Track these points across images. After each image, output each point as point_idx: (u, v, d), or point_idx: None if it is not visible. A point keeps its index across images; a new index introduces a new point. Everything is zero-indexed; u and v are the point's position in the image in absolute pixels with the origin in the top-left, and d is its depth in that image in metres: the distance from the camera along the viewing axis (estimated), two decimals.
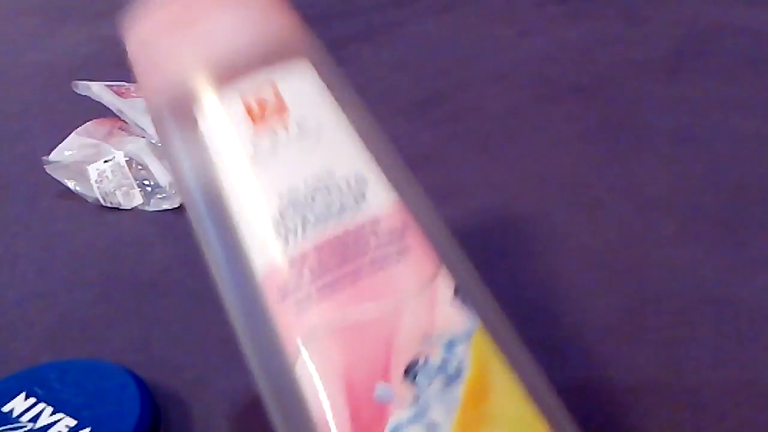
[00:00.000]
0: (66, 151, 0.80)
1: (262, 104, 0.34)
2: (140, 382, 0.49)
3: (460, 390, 0.28)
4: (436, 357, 0.29)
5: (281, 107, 0.34)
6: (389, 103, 0.89)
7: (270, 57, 0.36)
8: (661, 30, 0.95)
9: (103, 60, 1.20)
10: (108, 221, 0.74)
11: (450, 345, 0.29)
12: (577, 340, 0.52)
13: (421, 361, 0.29)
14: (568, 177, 0.70)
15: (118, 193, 0.76)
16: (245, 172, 0.33)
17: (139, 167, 0.76)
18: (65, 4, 1.58)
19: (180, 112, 0.35)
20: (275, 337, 0.31)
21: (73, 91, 0.82)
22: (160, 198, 0.75)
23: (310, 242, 0.31)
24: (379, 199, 0.33)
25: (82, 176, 0.77)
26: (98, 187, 0.76)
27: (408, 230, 0.33)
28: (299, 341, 0.30)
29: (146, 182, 0.75)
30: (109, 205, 0.76)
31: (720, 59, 0.86)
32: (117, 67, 1.15)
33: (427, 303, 0.30)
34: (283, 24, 0.38)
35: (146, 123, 0.77)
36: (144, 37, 0.37)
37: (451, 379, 0.29)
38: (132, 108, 0.80)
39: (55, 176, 0.79)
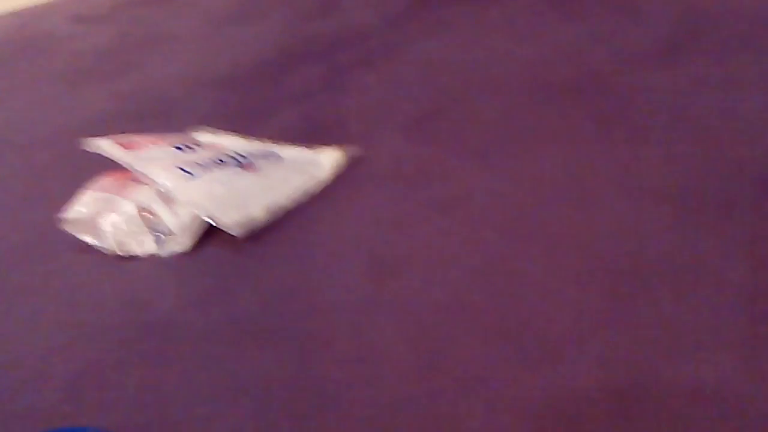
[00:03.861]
0: (81, 208, 0.83)
1: None
2: None
3: None
4: None
5: None
6: (389, 121, 0.90)
7: None
8: (653, 19, 0.95)
9: (119, 115, 1.24)
10: (125, 270, 0.77)
11: None
12: (545, 335, 0.52)
13: None
14: (563, 174, 0.70)
15: (131, 242, 0.78)
16: None
17: (150, 216, 0.78)
18: (87, 68, 1.65)
19: None
20: None
21: (86, 150, 0.85)
22: (171, 243, 0.77)
23: None
24: None
25: (97, 229, 0.80)
26: (113, 238, 0.79)
27: None
28: None
29: (157, 229, 0.77)
30: (124, 254, 0.78)
31: (712, 43, 0.85)
32: (132, 120, 1.19)
33: None
34: None
35: (154, 172, 0.80)
36: None
37: None
38: (139, 159, 0.83)
39: (72, 232, 0.82)
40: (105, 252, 0.79)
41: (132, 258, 0.78)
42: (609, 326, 0.52)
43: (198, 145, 0.89)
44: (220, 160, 0.83)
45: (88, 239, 0.81)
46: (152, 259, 0.77)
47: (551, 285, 0.58)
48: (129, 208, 0.79)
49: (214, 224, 0.75)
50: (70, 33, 2.13)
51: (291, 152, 0.87)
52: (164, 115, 1.18)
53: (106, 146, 0.85)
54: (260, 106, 1.09)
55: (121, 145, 0.86)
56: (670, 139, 0.72)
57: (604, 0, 1.07)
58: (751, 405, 0.44)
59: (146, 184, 0.81)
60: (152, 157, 0.84)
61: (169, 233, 0.77)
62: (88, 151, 0.85)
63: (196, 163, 0.82)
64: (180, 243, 0.76)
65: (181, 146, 0.87)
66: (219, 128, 0.99)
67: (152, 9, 2.10)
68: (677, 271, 0.55)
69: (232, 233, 0.74)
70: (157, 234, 0.78)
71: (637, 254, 0.58)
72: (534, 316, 0.55)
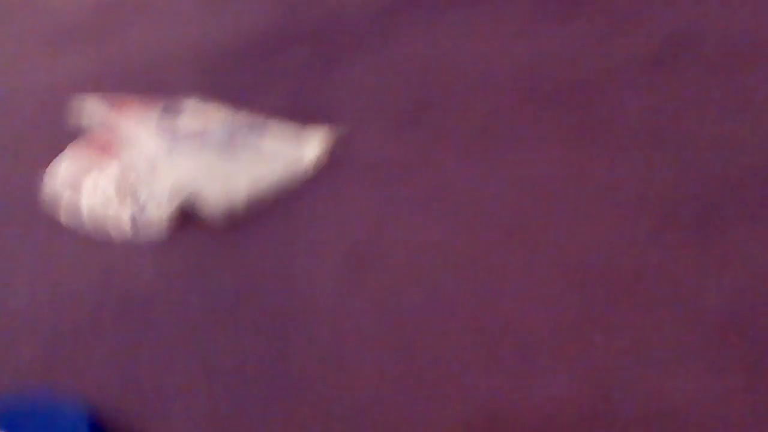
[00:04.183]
0: (63, 165, 0.82)
1: None
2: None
3: None
4: None
5: None
6: (379, 112, 0.91)
7: None
8: (641, 35, 0.96)
9: (102, 79, 1.23)
10: (104, 241, 0.76)
11: None
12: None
13: None
14: (545, 178, 0.71)
15: (108, 219, 0.77)
16: None
17: (131, 181, 0.78)
18: (69, 28, 1.62)
19: None
20: None
21: (72, 110, 0.84)
22: (149, 213, 0.76)
23: None
24: None
25: (77, 197, 0.79)
26: (91, 212, 0.78)
27: None
28: None
29: (137, 198, 0.77)
30: (101, 225, 0.78)
31: (697, 63, 0.86)
32: (117, 85, 1.17)
33: None
34: None
35: (140, 135, 0.80)
36: None
37: None
38: (126, 120, 0.82)
39: (51, 199, 0.81)
40: (83, 223, 0.79)
41: (111, 229, 0.77)
42: (582, 336, 0.53)
43: (184, 112, 0.89)
44: (205, 132, 0.83)
45: (67, 207, 0.80)
46: (132, 231, 0.76)
47: (528, 290, 0.59)
48: (111, 173, 0.79)
49: (194, 205, 0.75)
50: None
51: (276, 133, 0.87)
52: (148, 82, 1.17)
53: (93, 102, 0.84)
54: (246, 82, 1.08)
55: (110, 103, 0.85)
56: (651, 153, 0.73)
57: (595, 7, 1.08)
58: (718, 423, 0.45)
59: (129, 149, 0.81)
60: (138, 120, 0.83)
61: (148, 203, 0.76)
62: (71, 112, 0.84)
63: (182, 132, 0.82)
64: (157, 226, 0.76)
65: (167, 111, 0.87)
66: (206, 100, 0.98)
67: None
68: (651, 285, 0.57)
69: (212, 211, 0.74)
70: (136, 205, 0.77)
71: (614, 266, 0.59)
72: (510, 320, 0.56)
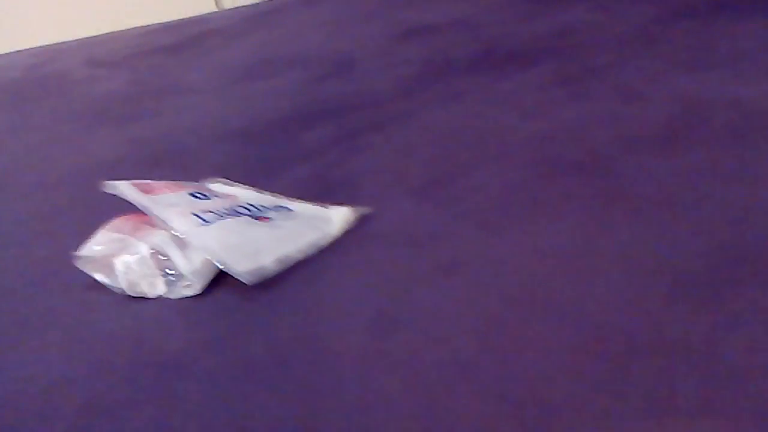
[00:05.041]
0: (95, 246, 0.85)
1: None
2: None
3: None
4: None
5: None
6: (398, 186, 0.94)
7: None
8: (653, 106, 1.00)
9: (133, 160, 1.28)
10: (135, 310, 0.79)
11: None
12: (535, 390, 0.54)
13: None
14: (564, 247, 0.73)
15: (143, 283, 0.81)
16: None
17: (163, 258, 0.81)
18: (100, 110, 1.69)
19: None
20: None
21: (103, 191, 0.88)
22: (182, 286, 0.79)
23: None
24: None
25: (110, 269, 0.83)
26: (124, 278, 0.81)
27: None
28: None
29: (169, 271, 0.80)
30: (135, 295, 0.81)
31: (708, 132, 0.90)
32: (146, 166, 1.22)
33: None
34: None
35: (169, 217, 0.83)
36: None
37: None
38: (156, 203, 0.86)
39: (84, 270, 0.84)
40: (116, 291, 0.82)
41: (142, 299, 0.80)
42: (603, 397, 0.54)
43: (213, 194, 0.93)
44: (235, 211, 0.86)
45: (99, 277, 0.83)
46: (162, 301, 0.79)
47: (550, 352, 0.60)
48: (143, 249, 0.82)
49: (225, 270, 0.78)
50: (86, 76, 2.19)
51: (303, 207, 0.91)
52: (178, 164, 1.22)
53: (124, 188, 0.88)
54: (272, 162, 1.12)
55: (139, 188, 0.89)
56: (664, 219, 0.75)
57: (608, 83, 1.12)
58: None
59: (161, 228, 0.84)
60: (168, 203, 0.87)
61: (181, 276, 0.80)
62: (103, 192, 0.88)
63: (211, 212, 0.85)
64: (191, 287, 0.79)
65: (196, 194, 0.91)
66: (233, 180, 1.02)
67: (167, 58, 2.16)
68: (667, 347, 0.58)
69: (242, 281, 0.77)
70: (168, 277, 0.80)
71: (631, 329, 0.61)
72: (532, 380, 0.58)
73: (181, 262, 0.80)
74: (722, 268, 0.66)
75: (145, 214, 0.86)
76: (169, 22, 2.89)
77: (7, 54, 3.07)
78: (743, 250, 0.68)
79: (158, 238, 0.83)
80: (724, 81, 1.02)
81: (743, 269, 0.66)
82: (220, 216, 0.84)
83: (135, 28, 2.94)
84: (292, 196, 0.94)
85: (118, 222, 0.88)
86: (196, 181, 0.99)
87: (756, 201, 0.75)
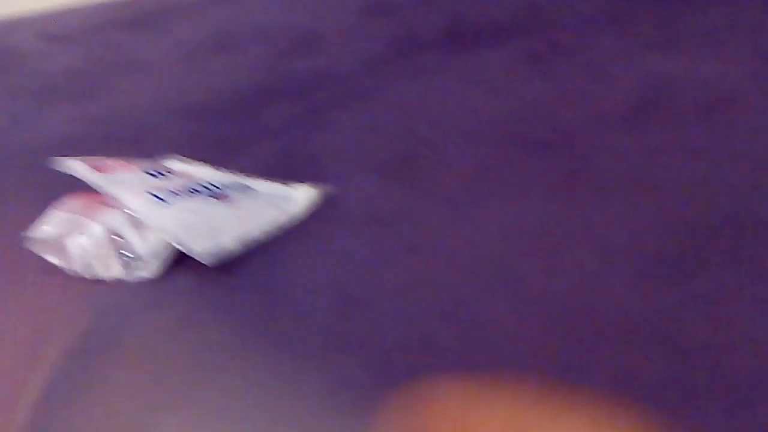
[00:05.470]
0: (46, 227, 0.82)
1: None
2: None
3: None
4: None
5: None
6: (362, 164, 0.92)
7: None
8: (620, 85, 0.99)
9: (87, 138, 1.24)
10: (91, 293, 0.76)
11: None
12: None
13: None
14: (531, 225, 0.72)
15: (98, 264, 0.78)
16: None
17: (118, 239, 0.78)
18: (53, 86, 1.63)
19: None
20: None
21: (54, 169, 0.85)
22: (139, 268, 0.77)
23: None
24: None
25: (63, 250, 0.79)
26: (78, 260, 0.78)
27: None
28: None
29: (125, 252, 0.77)
30: (90, 277, 0.78)
31: (676, 111, 0.89)
32: (101, 144, 1.18)
33: None
34: None
35: (124, 196, 0.80)
36: None
37: None
38: (110, 182, 0.82)
39: (36, 252, 0.81)
40: (70, 274, 0.78)
41: (98, 282, 0.77)
42: (569, 375, 0.54)
43: (170, 173, 0.89)
44: (193, 189, 0.83)
45: (53, 260, 0.80)
46: (119, 283, 0.76)
47: (516, 333, 0.59)
48: (98, 230, 0.79)
49: (184, 251, 0.75)
50: (39, 51, 2.12)
51: (264, 186, 0.88)
52: (134, 141, 1.18)
53: (77, 166, 0.85)
54: (232, 139, 1.09)
55: (93, 166, 0.86)
56: (630, 198, 0.75)
57: (576, 61, 1.11)
58: None
59: (116, 208, 0.81)
60: (123, 181, 0.84)
61: (138, 258, 0.77)
62: (55, 171, 0.85)
63: (168, 190, 0.82)
64: (148, 269, 0.76)
65: (152, 172, 0.88)
66: (190, 158, 0.99)
67: (123, 33, 2.10)
68: (634, 326, 0.58)
69: (202, 261, 0.74)
70: (124, 258, 0.77)
71: (597, 309, 0.60)
72: (499, 362, 0.57)
73: (137, 242, 0.77)
74: (689, 246, 0.66)
75: (99, 194, 0.83)
76: None
77: None
78: (710, 229, 0.68)
79: (113, 217, 0.79)
80: (692, 59, 1.02)
81: (710, 247, 0.65)
82: (178, 195, 0.81)
83: (92, 1, 2.86)
84: (254, 175, 0.92)
85: (71, 202, 0.85)
86: (152, 159, 0.96)
87: (723, 180, 0.74)
